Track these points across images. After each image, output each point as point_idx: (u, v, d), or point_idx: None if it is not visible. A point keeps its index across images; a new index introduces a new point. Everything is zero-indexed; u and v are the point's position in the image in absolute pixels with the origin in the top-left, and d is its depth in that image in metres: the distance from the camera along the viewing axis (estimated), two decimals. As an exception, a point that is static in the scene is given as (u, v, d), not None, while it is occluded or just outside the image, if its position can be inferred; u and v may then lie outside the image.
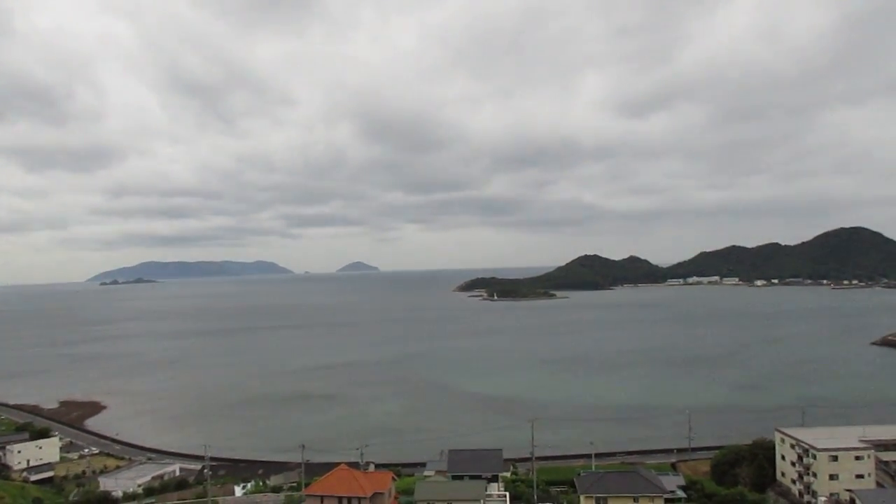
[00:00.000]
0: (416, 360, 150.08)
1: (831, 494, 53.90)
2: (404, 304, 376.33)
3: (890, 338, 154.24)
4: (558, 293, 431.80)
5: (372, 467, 62.05)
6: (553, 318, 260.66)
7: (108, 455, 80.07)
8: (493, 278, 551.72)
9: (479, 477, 48.90)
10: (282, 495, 55.58)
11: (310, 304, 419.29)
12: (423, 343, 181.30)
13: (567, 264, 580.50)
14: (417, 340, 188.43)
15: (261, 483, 64.08)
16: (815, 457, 55.14)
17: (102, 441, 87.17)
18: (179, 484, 65.13)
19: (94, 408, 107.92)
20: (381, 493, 41.54)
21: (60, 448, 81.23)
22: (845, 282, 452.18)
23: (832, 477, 54.43)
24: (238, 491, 60.72)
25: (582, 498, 44.05)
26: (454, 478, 48.86)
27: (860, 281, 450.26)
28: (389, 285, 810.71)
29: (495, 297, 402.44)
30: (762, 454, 61.86)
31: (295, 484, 61.57)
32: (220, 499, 56.69)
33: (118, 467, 74.52)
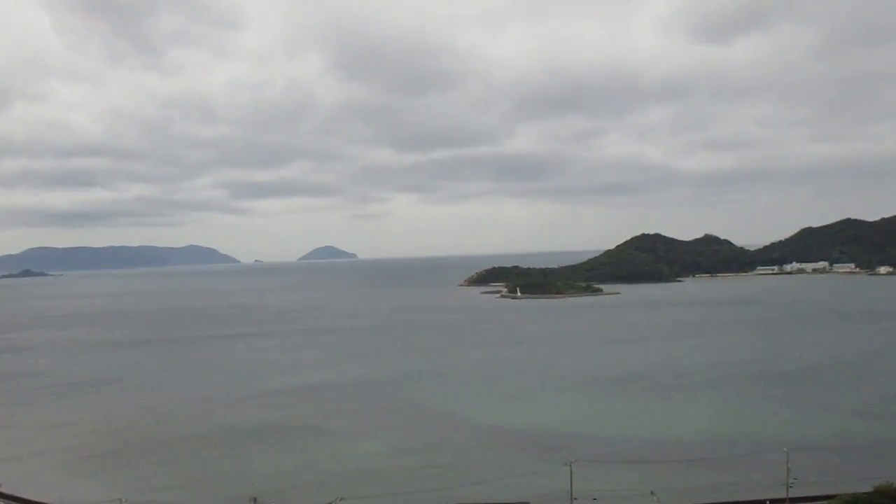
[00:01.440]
0: (414, 380, 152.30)
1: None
2: (395, 305, 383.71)
3: None
4: (605, 287, 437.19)
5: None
6: (599, 321, 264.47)
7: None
8: (515, 267, 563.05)
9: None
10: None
11: (269, 304, 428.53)
12: (421, 358, 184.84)
13: (618, 247, 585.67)
14: (414, 354, 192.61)
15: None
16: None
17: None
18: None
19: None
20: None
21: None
22: None
23: None
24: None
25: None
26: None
27: None
28: (373, 278, 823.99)
29: (519, 294, 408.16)
30: (890, 506, 61.86)
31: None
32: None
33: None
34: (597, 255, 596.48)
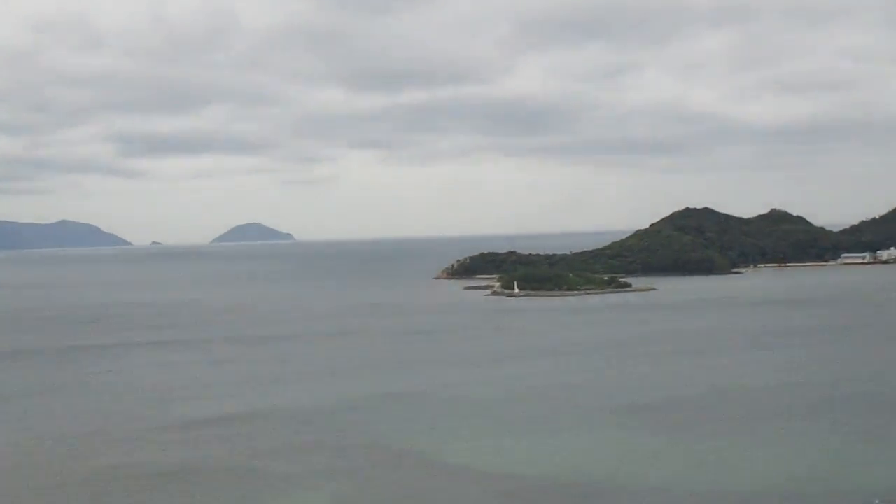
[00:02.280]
0: (377, 406, 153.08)
1: None
2: (348, 304, 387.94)
3: None
4: (635, 281, 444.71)
5: None
6: (628, 328, 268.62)
7: None
8: (511, 254, 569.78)
9: None
10: None
11: (175, 302, 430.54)
12: (386, 377, 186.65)
13: (653, 227, 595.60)
14: (376, 372, 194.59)
15: None
16: None
17: None
18: None
19: None
20: None
21: None
22: None
23: None
24: None
25: None
26: None
27: None
28: (318, 268, 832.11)
29: (517, 290, 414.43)
30: None
31: None
32: None
33: None
34: (624, 237, 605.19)
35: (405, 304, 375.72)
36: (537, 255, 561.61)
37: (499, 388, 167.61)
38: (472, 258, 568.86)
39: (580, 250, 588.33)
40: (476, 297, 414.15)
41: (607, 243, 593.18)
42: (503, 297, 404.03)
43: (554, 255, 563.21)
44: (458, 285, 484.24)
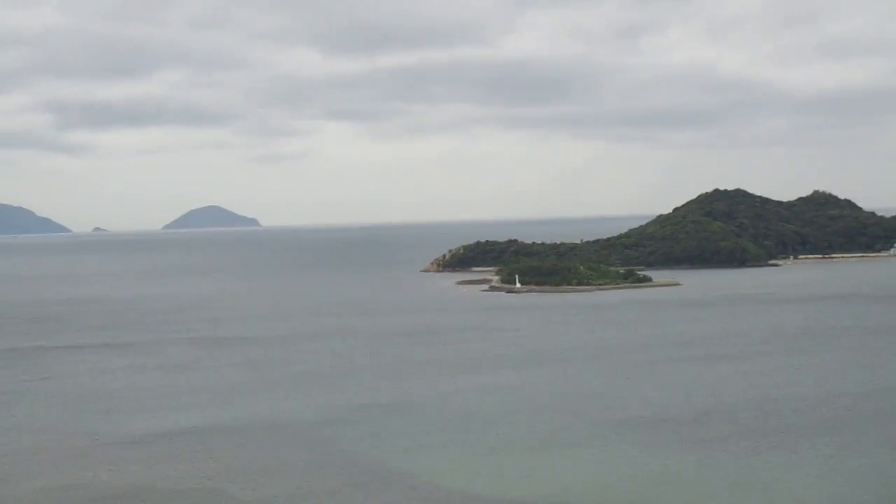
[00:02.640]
0: (361, 419, 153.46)
1: None
2: (325, 302, 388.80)
3: None
4: (656, 274, 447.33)
5: None
6: (650, 327, 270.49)
7: None
8: (512, 242, 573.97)
9: None
10: None
11: (124, 298, 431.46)
12: (371, 385, 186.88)
13: (677, 211, 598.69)
14: (360, 379, 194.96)
15: None
16: None
17: None
18: None
19: None
20: None
21: None
22: None
23: None
24: None
25: None
26: None
27: None
28: (288, 259, 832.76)
29: (518, 285, 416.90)
30: None
31: None
32: None
33: None
34: (643, 222, 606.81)
35: (390, 302, 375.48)
36: (542, 244, 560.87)
37: (498, 398, 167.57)
38: (466, 248, 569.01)
39: (592, 238, 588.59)
40: (471, 292, 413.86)
41: (624, 230, 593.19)
42: (502, 294, 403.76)
43: (562, 244, 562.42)
44: (450, 279, 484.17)
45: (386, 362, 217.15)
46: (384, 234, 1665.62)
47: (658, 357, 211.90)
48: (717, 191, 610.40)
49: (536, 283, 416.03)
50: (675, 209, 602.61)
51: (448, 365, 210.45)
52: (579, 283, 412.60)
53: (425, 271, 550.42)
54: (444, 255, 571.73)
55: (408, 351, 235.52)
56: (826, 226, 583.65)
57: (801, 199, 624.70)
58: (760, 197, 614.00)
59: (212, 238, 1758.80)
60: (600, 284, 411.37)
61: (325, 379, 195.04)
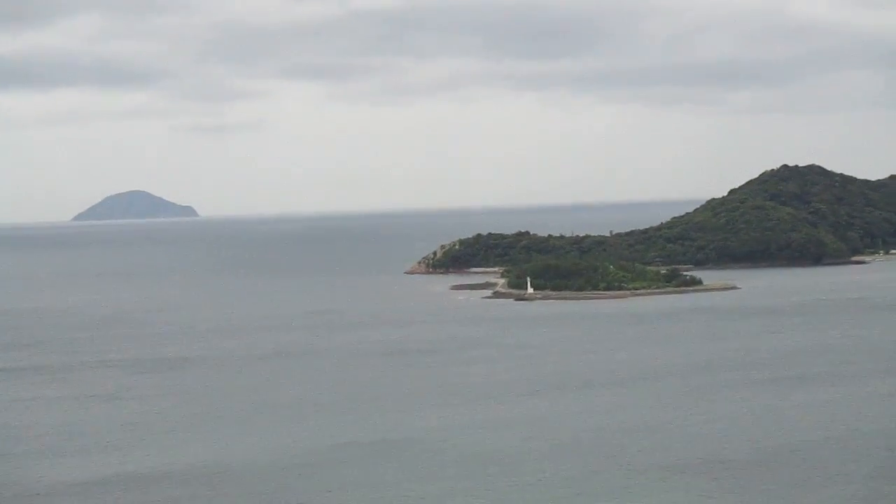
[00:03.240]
0: (329, 464, 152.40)
1: None
2: (289, 313, 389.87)
3: None
4: (708, 274, 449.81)
5: None
6: (702, 344, 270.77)
7: None
8: (522, 235, 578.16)
9: None
10: None
11: (35, 308, 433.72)
12: (344, 418, 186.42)
13: (734, 194, 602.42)
14: (330, 411, 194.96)
15: None
16: None
17: None
18: None
19: None
20: None
21: None
22: None
23: None
24: None
25: None
26: None
27: None
28: (238, 257, 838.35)
29: (530, 289, 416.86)
30: None
31: None
32: None
33: None
34: (691, 209, 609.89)
35: (366, 313, 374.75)
36: (561, 237, 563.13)
37: (511, 436, 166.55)
38: (463, 243, 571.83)
39: (625, 230, 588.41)
40: (470, 300, 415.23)
41: (666, 219, 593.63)
42: (510, 301, 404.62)
43: (586, 236, 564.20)
44: (442, 283, 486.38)
45: (363, 390, 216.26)
46: (358, 225, 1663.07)
47: (713, 382, 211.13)
48: (785, 167, 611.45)
49: (554, 288, 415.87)
50: (732, 191, 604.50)
51: (444, 393, 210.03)
52: (609, 288, 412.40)
53: (411, 273, 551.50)
54: (434, 253, 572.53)
55: (391, 375, 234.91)
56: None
57: (893, 177, 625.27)
58: (842, 175, 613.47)
59: (137, 231, 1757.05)
60: (636, 289, 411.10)
61: (285, 412, 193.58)
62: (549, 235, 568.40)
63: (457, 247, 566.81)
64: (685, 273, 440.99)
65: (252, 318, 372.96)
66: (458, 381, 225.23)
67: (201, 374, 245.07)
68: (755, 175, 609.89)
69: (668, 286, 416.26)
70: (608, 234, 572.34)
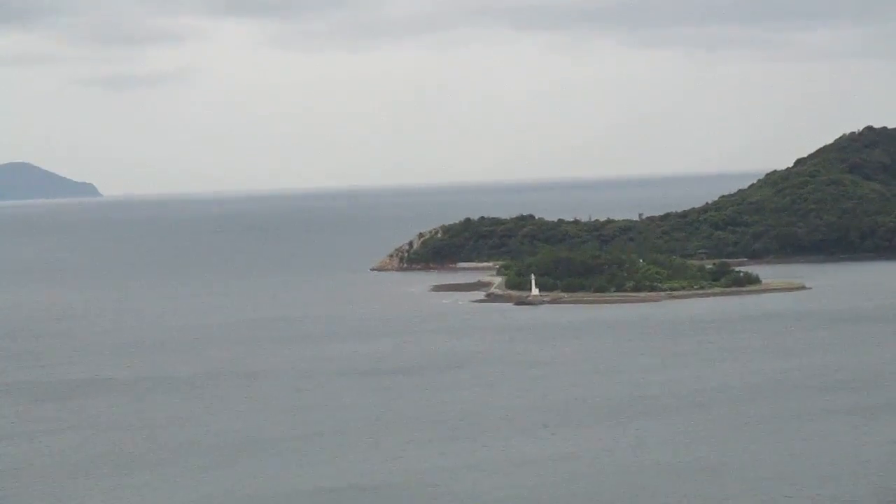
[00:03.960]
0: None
1: None
2: (227, 318, 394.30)
3: None
4: (766, 269, 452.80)
5: None
6: (764, 360, 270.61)
7: None
8: (524, 220, 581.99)
9: None
10: None
11: None
12: (296, 458, 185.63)
13: (801, 165, 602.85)
14: (277, 449, 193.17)
15: None
16: None
17: None
18: None
19: None
20: None
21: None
22: None
23: None
24: None
25: None
26: None
27: None
28: (157, 248, 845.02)
29: (535, 290, 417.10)
30: None
31: None
32: None
33: None
34: (745, 184, 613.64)
35: (326, 322, 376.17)
36: (575, 222, 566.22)
37: (518, 481, 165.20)
38: (447, 230, 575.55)
39: (658, 213, 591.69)
40: (457, 305, 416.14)
41: (713, 199, 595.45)
42: (509, 306, 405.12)
43: (608, 221, 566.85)
44: (421, 282, 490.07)
45: (322, 422, 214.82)
46: (311, 206, 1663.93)
47: (779, 411, 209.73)
48: (870, 130, 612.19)
49: (566, 289, 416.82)
50: (799, 162, 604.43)
51: (426, 426, 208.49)
52: (638, 288, 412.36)
53: (379, 269, 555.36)
54: (410, 243, 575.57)
55: (358, 403, 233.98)
56: None
57: None
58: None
59: (20, 216, 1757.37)
60: (673, 289, 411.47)
61: (220, 454, 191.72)
62: (560, 220, 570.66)
63: (439, 235, 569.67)
64: (738, 269, 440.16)
65: (176, 328, 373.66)
66: (444, 410, 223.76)
67: (109, 402, 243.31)
68: (830, 140, 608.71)
69: (715, 286, 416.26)
70: (637, 218, 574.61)
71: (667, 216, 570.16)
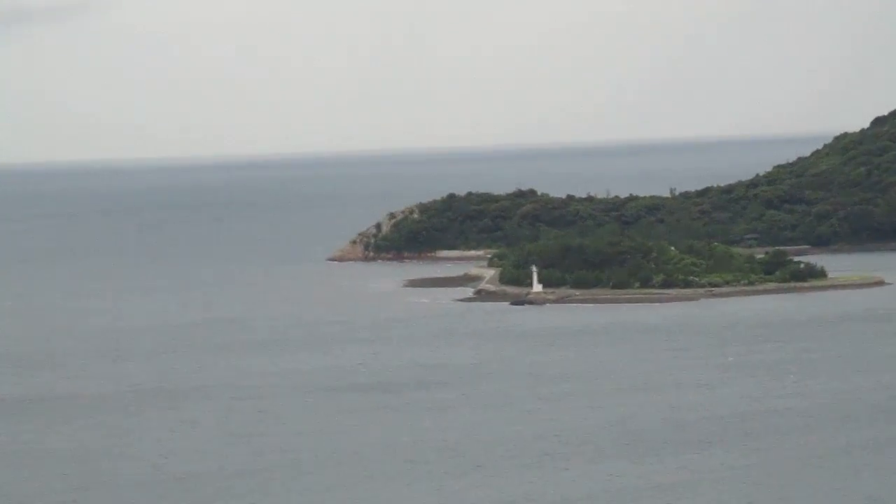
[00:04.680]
0: None
1: None
2: (132, 323, 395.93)
3: None
4: (834, 259, 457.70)
5: None
6: (839, 376, 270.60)
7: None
8: (521, 196, 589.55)
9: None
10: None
11: None
12: (243, 501, 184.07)
13: (877, 126, 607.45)
14: (214, 490, 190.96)
15: None
16: None
17: None
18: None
19: None
20: None
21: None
22: None
23: None
24: None
25: None
26: None
27: None
28: (47, 231, 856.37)
29: (536, 286, 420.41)
30: None
31: None
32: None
33: None
34: (807, 151, 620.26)
35: (275, 326, 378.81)
36: (588, 199, 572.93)
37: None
38: (425, 209, 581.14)
39: (695, 188, 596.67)
40: (438, 304, 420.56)
41: (765, 169, 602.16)
42: (504, 306, 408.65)
43: (630, 199, 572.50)
44: (392, 275, 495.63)
45: (273, 452, 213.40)
46: (251, 178, 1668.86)
47: (855, 441, 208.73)
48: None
49: (577, 284, 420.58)
50: (877, 121, 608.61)
51: (403, 458, 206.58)
52: (669, 284, 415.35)
53: (339, 259, 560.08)
54: (377, 226, 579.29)
55: (316, 428, 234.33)
56: None
57: None
58: None
59: None
60: (714, 285, 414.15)
61: (142, 494, 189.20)
62: (569, 196, 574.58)
63: (415, 215, 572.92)
64: (797, 259, 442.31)
65: (89, 334, 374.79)
66: (424, 439, 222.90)
67: (3, 430, 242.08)
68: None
69: (768, 280, 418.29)
70: (667, 195, 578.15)
71: (706, 191, 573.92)
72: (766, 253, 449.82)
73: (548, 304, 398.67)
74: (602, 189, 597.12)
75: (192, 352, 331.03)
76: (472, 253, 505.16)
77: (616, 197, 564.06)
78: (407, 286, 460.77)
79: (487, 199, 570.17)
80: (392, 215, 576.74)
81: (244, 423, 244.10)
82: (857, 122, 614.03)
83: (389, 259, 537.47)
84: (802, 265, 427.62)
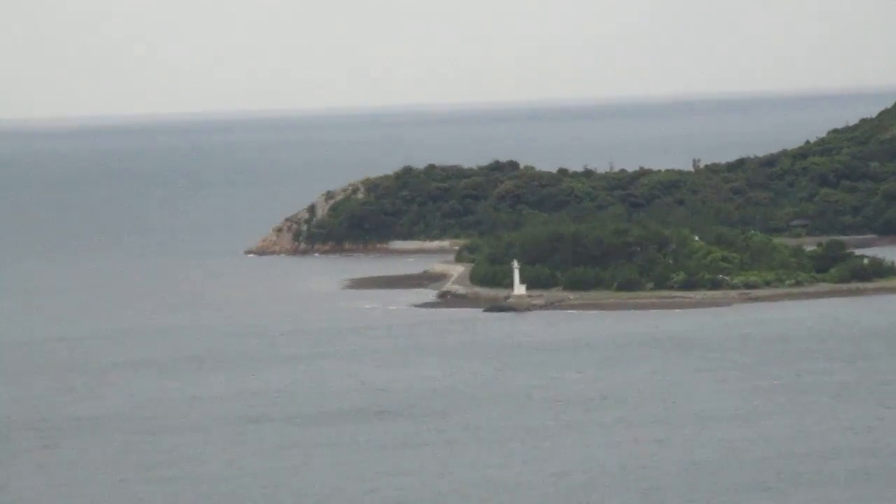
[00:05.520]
0: None
1: None
2: (21, 333, 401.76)
3: None
4: None
5: None
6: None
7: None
8: (498, 169, 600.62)
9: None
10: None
11: None
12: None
13: None
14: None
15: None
16: None
17: None
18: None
19: None
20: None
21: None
22: None
23: None
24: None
25: None
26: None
27: None
28: None
29: (518, 287, 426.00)
30: None
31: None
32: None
33: None
34: (874, 109, 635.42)
35: (189, 335, 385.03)
36: (586, 172, 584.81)
37: None
38: (372, 187, 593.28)
39: (725, 159, 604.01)
40: (391, 311, 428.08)
41: (816, 135, 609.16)
42: (477, 312, 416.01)
43: (641, 173, 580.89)
44: (329, 272, 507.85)
45: (185, 500, 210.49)
46: (144, 149, 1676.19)
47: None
48: None
49: (572, 285, 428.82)
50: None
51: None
52: (692, 284, 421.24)
53: (261, 252, 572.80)
54: (310, 209, 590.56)
55: (239, 469, 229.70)
56: None
57: None
58: None
59: None
60: (751, 285, 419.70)
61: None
62: (561, 170, 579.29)
63: (359, 195, 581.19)
64: (859, 252, 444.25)
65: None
66: (377, 484, 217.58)
67: None
68: None
69: (821, 279, 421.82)
70: (689, 168, 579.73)
71: (740, 163, 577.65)
72: (819, 244, 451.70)
73: (534, 311, 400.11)
74: (604, 161, 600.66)
75: (72, 373, 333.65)
76: (435, 244, 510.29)
77: (622, 171, 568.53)
78: (349, 287, 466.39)
79: (454, 173, 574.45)
80: (329, 195, 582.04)
81: (144, 465, 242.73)
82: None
83: (326, 252, 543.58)
84: (866, 260, 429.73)
